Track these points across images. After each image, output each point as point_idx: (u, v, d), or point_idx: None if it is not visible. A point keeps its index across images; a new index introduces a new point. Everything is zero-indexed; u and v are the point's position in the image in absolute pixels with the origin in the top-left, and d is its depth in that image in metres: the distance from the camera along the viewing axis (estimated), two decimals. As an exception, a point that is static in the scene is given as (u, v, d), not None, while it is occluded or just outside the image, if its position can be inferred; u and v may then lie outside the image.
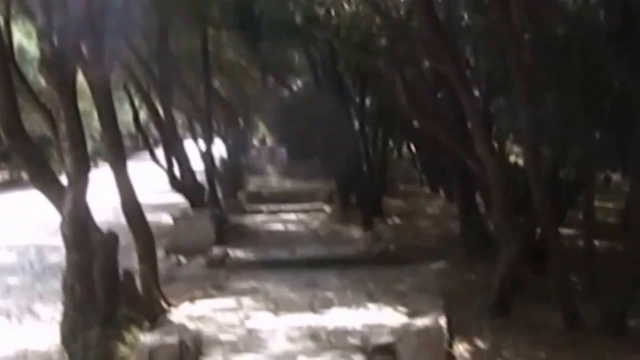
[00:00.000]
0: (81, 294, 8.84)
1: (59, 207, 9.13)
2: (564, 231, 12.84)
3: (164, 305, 10.94)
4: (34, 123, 19.01)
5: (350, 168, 21.20)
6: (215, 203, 20.33)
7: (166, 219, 18.29)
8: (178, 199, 21.10)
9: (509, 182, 11.08)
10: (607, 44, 11.06)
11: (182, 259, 15.30)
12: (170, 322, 10.06)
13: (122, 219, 11.27)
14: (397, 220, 20.61)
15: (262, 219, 21.45)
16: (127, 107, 24.07)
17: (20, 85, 10.35)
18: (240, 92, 30.97)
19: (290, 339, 9.41)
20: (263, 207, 23.39)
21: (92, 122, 21.89)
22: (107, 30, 10.42)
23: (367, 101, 22.85)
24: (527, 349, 9.16)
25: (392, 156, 30.69)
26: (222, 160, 28.12)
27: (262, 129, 47.45)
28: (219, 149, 28.66)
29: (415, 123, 22.47)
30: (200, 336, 9.04)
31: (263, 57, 23.74)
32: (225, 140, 31.44)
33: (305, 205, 23.39)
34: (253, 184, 29.38)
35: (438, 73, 14.00)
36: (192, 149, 22.82)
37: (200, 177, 20.66)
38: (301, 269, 13.97)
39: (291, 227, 20.08)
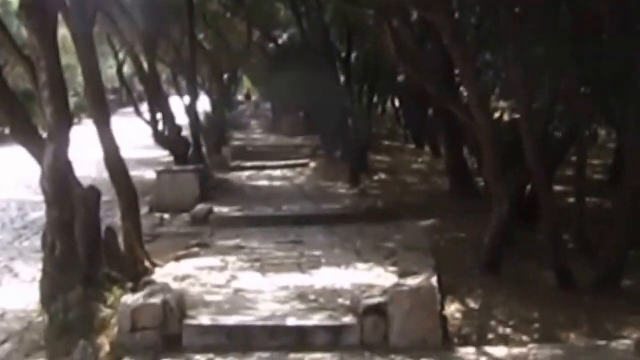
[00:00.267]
0: (62, 252, 8.64)
1: (40, 161, 8.89)
2: (554, 188, 12.64)
3: (148, 264, 10.69)
4: (17, 77, 18.74)
5: (336, 123, 21.02)
6: (200, 159, 20.13)
7: (150, 175, 18.04)
8: (162, 154, 20.89)
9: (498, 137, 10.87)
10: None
11: (166, 216, 15.11)
12: (153, 282, 9.78)
13: (105, 175, 11.03)
14: (383, 176, 20.40)
15: (247, 175, 21.26)
16: (111, 61, 23.81)
17: (4, 37, 10.03)
18: (225, 46, 30.56)
19: (278, 300, 9.18)
20: (248, 163, 23.18)
21: (76, 78, 21.69)
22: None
23: (354, 56, 22.58)
24: (520, 308, 8.95)
25: (376, 112, 30.45)
26: (207, 115, 27.85)
27: (247, 84, 47.14)
28: (204, 104, 28.40)
29: (401, 78, 22.37)
30: (184, 297, 8.77)
31: (248, 10, 23.44)
32: (210, 96, 31.17)
33: (290, 161, 23.19)
34: (238, 139, 29.16)
35: (427, 23, 13.75)
36: (177, 105, 22.55)
37: (185, 133, 20.45)
38: (287, 226, 13.81)
39: (276, 183, 19.89)
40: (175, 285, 9.54)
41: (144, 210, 13.31)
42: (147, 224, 13.08)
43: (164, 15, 20.64)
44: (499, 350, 7.94)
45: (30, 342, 8.46)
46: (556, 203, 10.54)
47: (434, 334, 8.09)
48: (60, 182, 8.73)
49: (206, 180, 17.62)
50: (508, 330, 8.44)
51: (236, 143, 27.89)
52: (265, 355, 7.90)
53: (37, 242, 9.69)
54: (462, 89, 14.96)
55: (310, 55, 21.73)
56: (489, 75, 15.99)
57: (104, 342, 8.13)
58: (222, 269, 10.90)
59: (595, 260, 10.24)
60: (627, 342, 8.01)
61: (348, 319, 8.32)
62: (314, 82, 20.47)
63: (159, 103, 20.41)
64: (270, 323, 8.40)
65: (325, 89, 20.47)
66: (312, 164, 22.47)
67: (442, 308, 8.64)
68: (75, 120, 9.83)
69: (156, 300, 8.20)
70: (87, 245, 9.03)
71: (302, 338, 8.17)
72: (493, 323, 8.61)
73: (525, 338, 8.23)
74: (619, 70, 10.14)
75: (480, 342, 8.17)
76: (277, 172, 21.65)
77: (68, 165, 9.02)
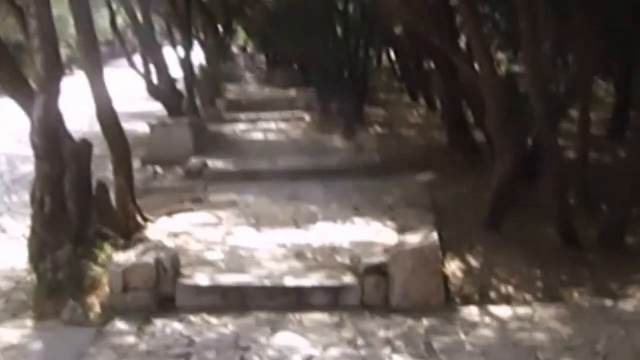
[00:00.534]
0: (51, 209, 8.39)
1: (30, 113, 8.61)
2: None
3: (140, 220, 10.41)
4: (8, 28, 18.36)
5: (332, 76, 20.72)
6: (194, 111, 19.79)
7: (143, 128, 17.73)
8: (156, 107, 20.61)
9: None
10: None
11: (159, 169, 14.84)
12: (146, 239, 9.56)
13: (97, 128, 10.69)
14: (379, 129, 20.09)
15: (242, 128, 20.93)
16: (104, 12, 23.43)
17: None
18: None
19: (275, 259, 8.97)
20: (242, 116, 22.83)
21: (68, 29, 21.30)
22: None
23: (351, 8, 22.20)
24: (522, 266, 8.75)
25: (371, 65, 30.15)
26: (202, 67, 27.50)
27: (242, 35, 46.62)
28: (199, 56, 28.07)
29: (398, 31, 22.04)
30: (178, 255, 8.52)
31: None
32: (204, 47, 30.80)
33: (286, 114, 22.83)
34: (232, 92, 28.85)
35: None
36: (171, 57, 22.22)
37: (179, 85, 20.16)
38: (283, 180, 13.52)
39: (271, 137, 19.58)
40: (168, 242, 9.34)
41: (136, 164, 13.04)
42: (140, 178, 12.81)
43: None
44: (503, 310, 7.79)
45: (18, 302, 8.26)
46: (561, 157, 10.28)
47: (436, 294, 7.93)
48: (50, 136, 8.44)
49: (200, 134, 17.33)
50: (510, 289, 8.27)
51: (231, 96, 27.53)
52: (263, 315, 7.70)
53: (27, 197, 9.41)
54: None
55: (307, 6, 21.36)
56: (488, 27, 15.70)
57: (94, 303, 7.95)
58: (217, 225, 10.68)
59: (597, 216, 10.03)
60: (634, 301, 7.84)
61: (348, 279, 8.12)
62: (311, 34, 20.15)
63: (152, 55, 20.09)
64: (267, 283, 8.20)
65: (322, 42, 20.15)
66: (307, 117, 22.18)
67: (443, 266, 8.44)
68: (67, 72, 9.50)
69: (149, 259, 8.00)
70: (77, 202, 8.74)
71: (301, 298, 7.98)
72: (495, 281, 8.42)
73: (528, 297, 8.08)
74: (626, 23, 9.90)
75: (482, 301, 8.01)
76: (272, 125, 21.31)
77: (59, 118, 8.73)
